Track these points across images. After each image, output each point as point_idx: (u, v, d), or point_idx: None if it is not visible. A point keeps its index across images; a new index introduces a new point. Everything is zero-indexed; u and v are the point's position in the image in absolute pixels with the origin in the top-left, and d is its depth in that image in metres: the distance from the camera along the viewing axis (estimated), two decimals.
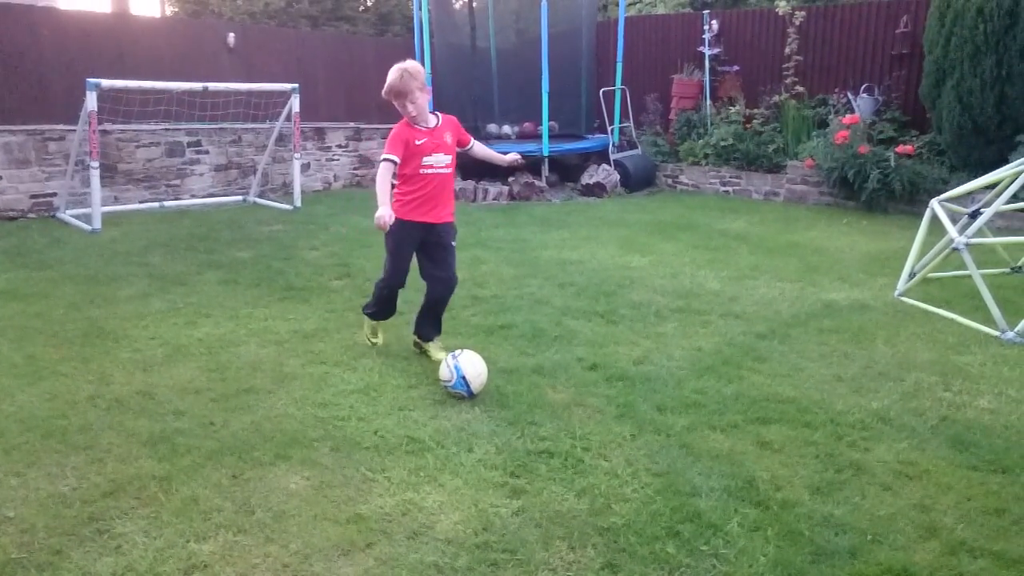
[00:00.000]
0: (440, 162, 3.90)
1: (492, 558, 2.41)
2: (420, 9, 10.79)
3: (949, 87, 8.37)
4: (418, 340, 4.21)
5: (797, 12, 10.32)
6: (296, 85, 9.07)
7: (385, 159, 3.78)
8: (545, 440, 3.19)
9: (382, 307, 4.23)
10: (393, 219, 3.66)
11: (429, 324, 4.16)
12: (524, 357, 4.16)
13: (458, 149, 4.06)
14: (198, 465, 2.95)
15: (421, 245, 3.98)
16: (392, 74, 3.78)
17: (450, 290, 4.11)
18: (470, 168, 9.84)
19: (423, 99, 3.83)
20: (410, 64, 3.81)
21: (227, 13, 15.43)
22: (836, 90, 10.06)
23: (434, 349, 4.10)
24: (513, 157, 4.39)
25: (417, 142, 3.82)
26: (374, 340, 4.31)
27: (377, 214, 3.61)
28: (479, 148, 4.27)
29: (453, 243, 4.06)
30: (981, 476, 2.96)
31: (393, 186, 3.87)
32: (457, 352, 3.67)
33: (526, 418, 3.39)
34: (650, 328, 4.70)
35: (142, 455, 3.03)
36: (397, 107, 3.84)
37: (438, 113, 4.00)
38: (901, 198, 8.70)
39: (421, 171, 3.85)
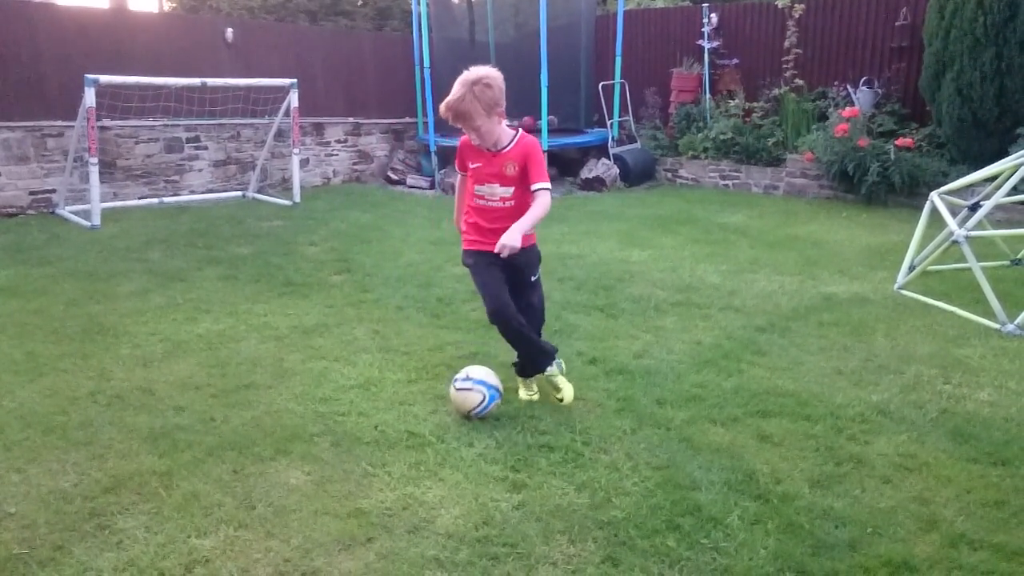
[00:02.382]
0: (493, 195, 3.25)
1: (492, 552, 2.41)
2: (419, 4, 10.76)
3: (949, 80, 8.35)
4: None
5: (796, 5, 10.30)
6: (294, 80, 9.06)
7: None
8: (545, 434, 3.19)
9: (533, 345, 3.39)
10: (463, 231, 3.42)
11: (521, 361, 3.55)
12: None
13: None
14: (199, 461, 2.96)
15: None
16: (456, 89, 3.02)
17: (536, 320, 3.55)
18: None
19: (489, 126, 3.08)
20: (482, 77, 3.00)
21: (225, 8, 15.40)
22: (836, 83, 10.05)
23: (522, 388, 3.59)
24: (502, 250, 3.10)
25: (472, 164, 3.28)
26: (556, 391, 3.47)
27: None
28: (532, 201, 3.22)
29: (533, 278, 3.54)
30: (981, 469, 2.96)
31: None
32: (463, 376, 3.33)
33: (526, 412, 3.39)
34: (650, 322, 4.70)
35: (142, 451, 3.03)
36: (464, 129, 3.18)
37: (519, 134, 3.24)
38: (901, 191, 8.70)
39: (475, 200, 3.32)
